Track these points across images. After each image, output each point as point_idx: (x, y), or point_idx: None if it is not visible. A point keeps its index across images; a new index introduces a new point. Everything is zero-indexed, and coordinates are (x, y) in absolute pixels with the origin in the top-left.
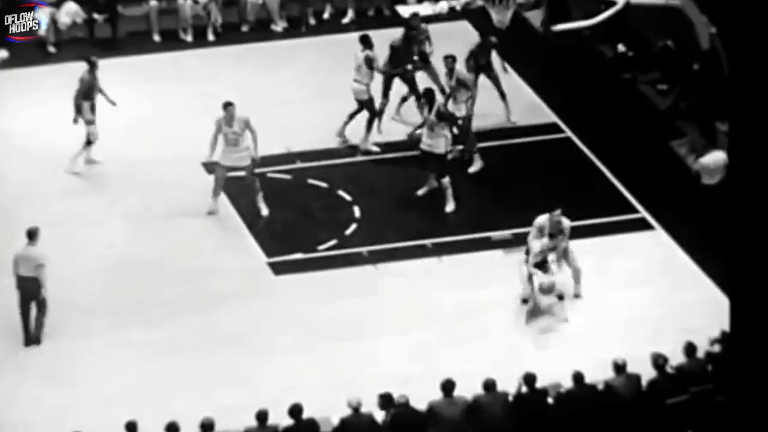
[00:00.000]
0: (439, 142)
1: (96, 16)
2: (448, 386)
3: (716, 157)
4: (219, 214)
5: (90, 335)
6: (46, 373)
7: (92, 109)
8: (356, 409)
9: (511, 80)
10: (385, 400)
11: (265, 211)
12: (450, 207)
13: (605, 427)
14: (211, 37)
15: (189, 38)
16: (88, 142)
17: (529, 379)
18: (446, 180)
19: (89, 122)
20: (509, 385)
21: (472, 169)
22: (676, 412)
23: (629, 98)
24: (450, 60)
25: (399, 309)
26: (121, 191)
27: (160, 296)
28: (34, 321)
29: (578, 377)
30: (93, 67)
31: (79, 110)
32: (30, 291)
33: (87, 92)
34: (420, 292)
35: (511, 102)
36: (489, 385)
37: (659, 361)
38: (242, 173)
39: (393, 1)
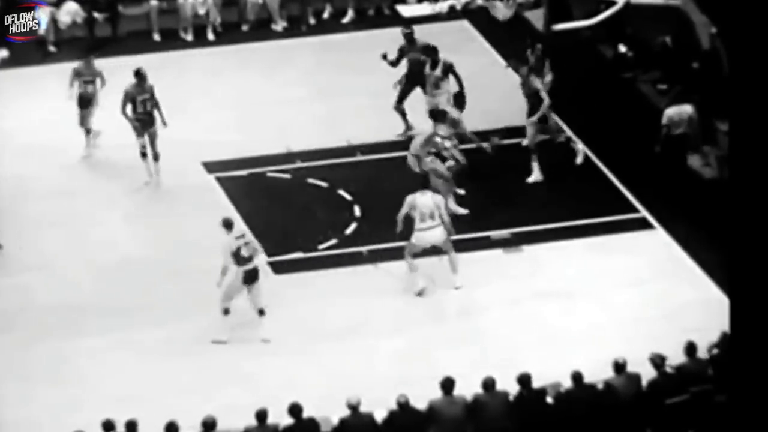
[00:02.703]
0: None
1: (96, 15)
2: (447, 384)
3: (681, 110)
4: (219, 215)
5: (90, 334)
6: (46, 373)
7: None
8: (355, 409)
9: (511, 79)
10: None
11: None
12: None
13: (605, 426)
14: (211, 36)
15: (189, 38)
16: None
17: (524, 379)
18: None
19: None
20: (509, 385)
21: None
22: (677, 412)
23: (629, 97)
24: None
25: (399, 309)
26: (121, 191)
27: (160, 295)
28: None
29: (577, 377)
30: (141, 79)
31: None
32: None
33: (131, 104)
34: None
35: (510, 101)
36: (488, 385)
37: (657, 361)
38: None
39: (393, 1)
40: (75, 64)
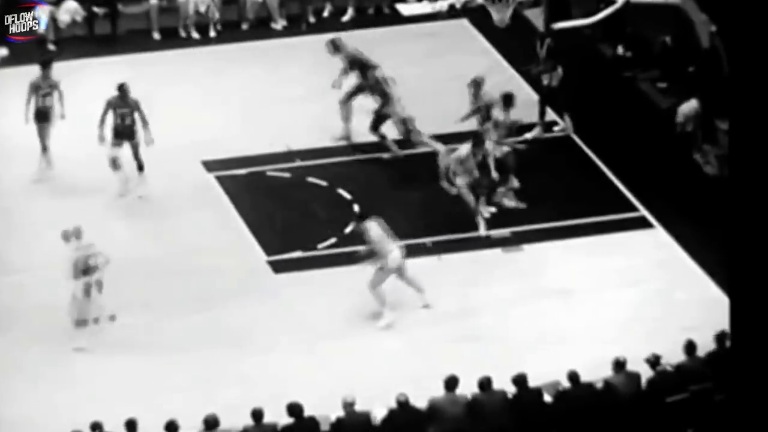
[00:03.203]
0: None
1: (96, 9)
2: (451, 383)
3: (691, 105)
4: (219, 213)
5: (89, 334)
6: (46, 372)
7: (118, 134)
8: (351, 407)
9: (510, 78)
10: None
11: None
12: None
13: (605, 425)
14: (212, 33)
15: (195, 34)
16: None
17: (520, 379)
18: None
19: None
20: (508, 384)
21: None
22: (676, 411)
23: (629, 96)
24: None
25: (398, 308)
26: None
27: (160, 295)
28: None
29: (573, 377)
30: (123, 94)
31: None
32: None
33: (112, 114)
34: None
35: None
36: (484, 384)
37: (652, 359)
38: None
39: None
40: (33, 78)
